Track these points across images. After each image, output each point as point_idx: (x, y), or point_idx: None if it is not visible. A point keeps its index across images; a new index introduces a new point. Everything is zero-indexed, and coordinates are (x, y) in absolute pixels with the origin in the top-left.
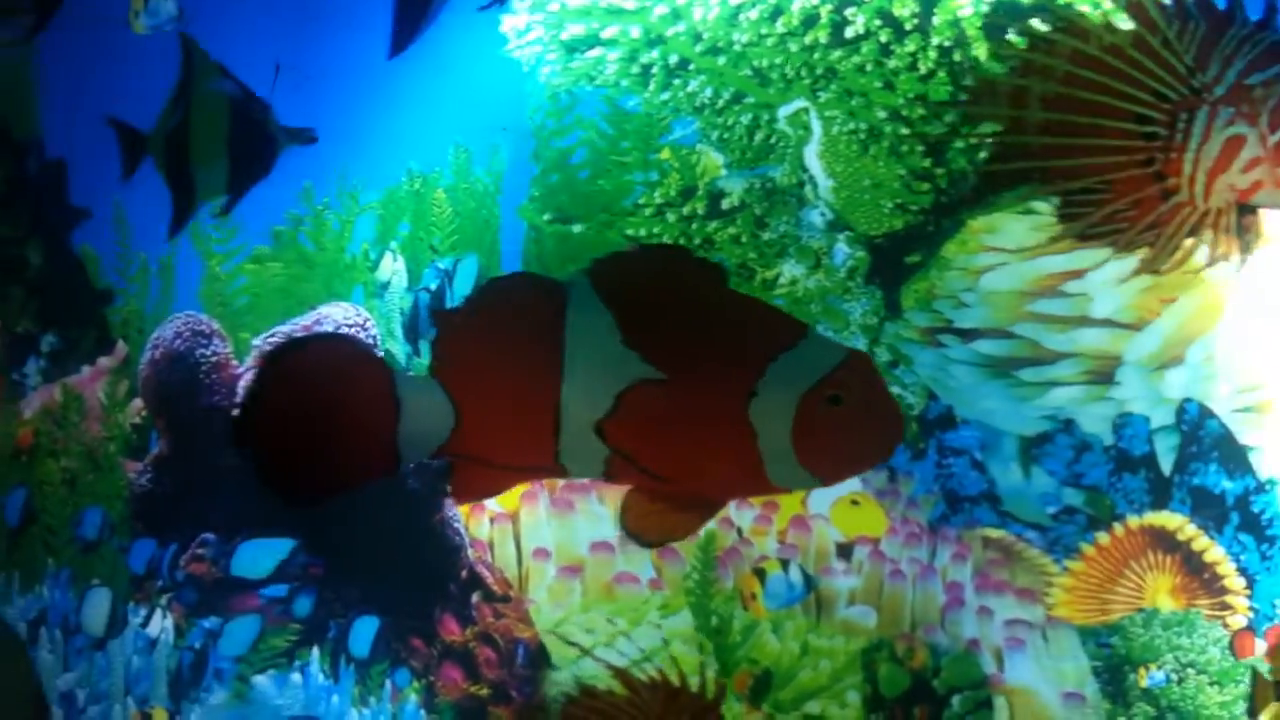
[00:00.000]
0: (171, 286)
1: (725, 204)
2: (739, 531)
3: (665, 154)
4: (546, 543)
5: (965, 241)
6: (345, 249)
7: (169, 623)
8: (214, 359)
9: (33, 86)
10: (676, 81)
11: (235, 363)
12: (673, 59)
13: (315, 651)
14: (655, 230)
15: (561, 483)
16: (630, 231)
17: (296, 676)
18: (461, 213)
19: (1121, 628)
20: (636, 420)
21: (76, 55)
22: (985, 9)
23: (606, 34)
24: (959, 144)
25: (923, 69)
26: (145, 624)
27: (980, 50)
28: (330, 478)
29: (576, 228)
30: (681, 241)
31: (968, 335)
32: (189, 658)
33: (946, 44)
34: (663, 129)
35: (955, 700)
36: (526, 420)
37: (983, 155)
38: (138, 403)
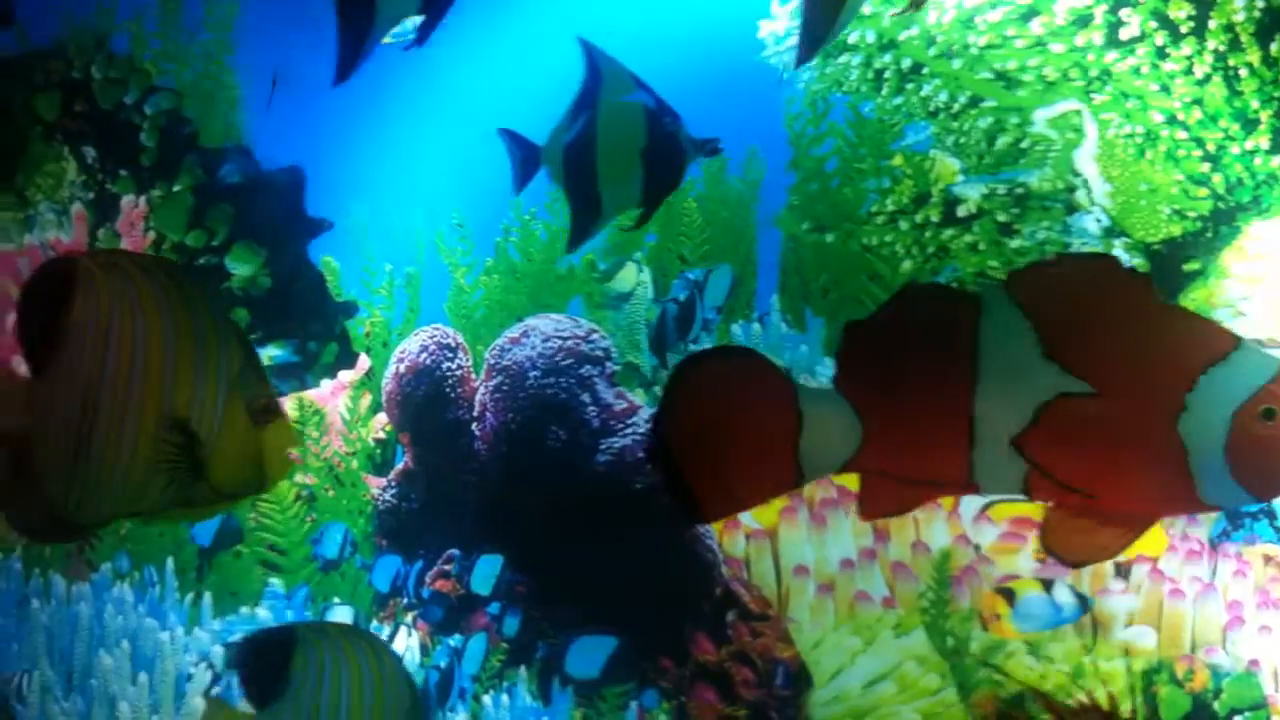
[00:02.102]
0: (418, 299)
1: (961, 211)
2: (976, 549)
3: (898, 160)
4: (806, 559)
5: (1244, 249)
6: (556, 259)
7: (414, 641)
8: (459, 372)
9: (234, 91)
10: (909, 86)
11: (474, 376)
12: (905, 63)
13: (523, 672)
14: (887, 239)
15: (820, 497)
16: (865, 240)
17: (504, 698)
18: (714, 222)
19: None
20: (1060, 434)
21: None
22: (1258, 14)
23: (851, 39)
24: (1236, 149)
25: (1199, 73)
26: (390, 643)
27: (1254, 56)
28: (732, 493)
29: (829, 237)
30: (914, 250)
31: None
32: (435, 676)
33: (1221, 48)
34: (895, 134)
35: None
36: (938, 434)
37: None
38: (381, 417)
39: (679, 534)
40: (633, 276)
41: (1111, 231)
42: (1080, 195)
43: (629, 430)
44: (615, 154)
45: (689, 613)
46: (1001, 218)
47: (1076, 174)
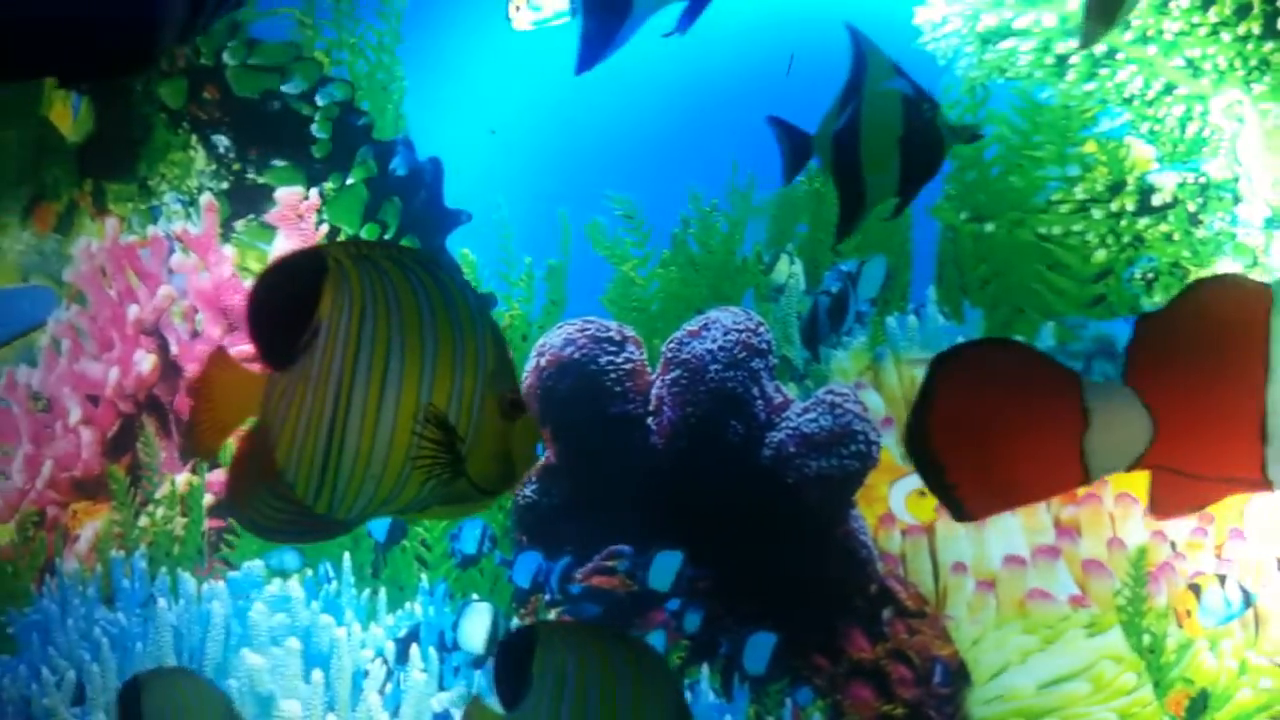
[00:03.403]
0: (561, 291)
1: (1156, 200)
2: (1172, 545)
3: (1090, 147)
4: (964, 556)
5: None
6: (735, 251)
7: None
8: (629, 366)
9: (404, 81)
10: (1103, 71)
11: (649, 370)
12: (1098, 48)
13: (705, 669)
14: (1074, 228)
15: None
16: (1043, 229)
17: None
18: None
19: None
20: None
21: (443, 53)
22: None
23: (1019, 24)
24: None
25: None
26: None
27: None
28: (1004, 491)
29: (989, 226)
30: (1109, 239)
31: None
32: None
33: None
34: (1085, 121)
35: None
36: (1230, 430)
37: None
38: None
39: (831, 530)
40: (785, 268)
41: (1274, 221)
42: (1243, 185)
43: (784, 424)
44: (876, 143)
45: (843, 609)
46: (1192, 207)
47: (1239, 164)
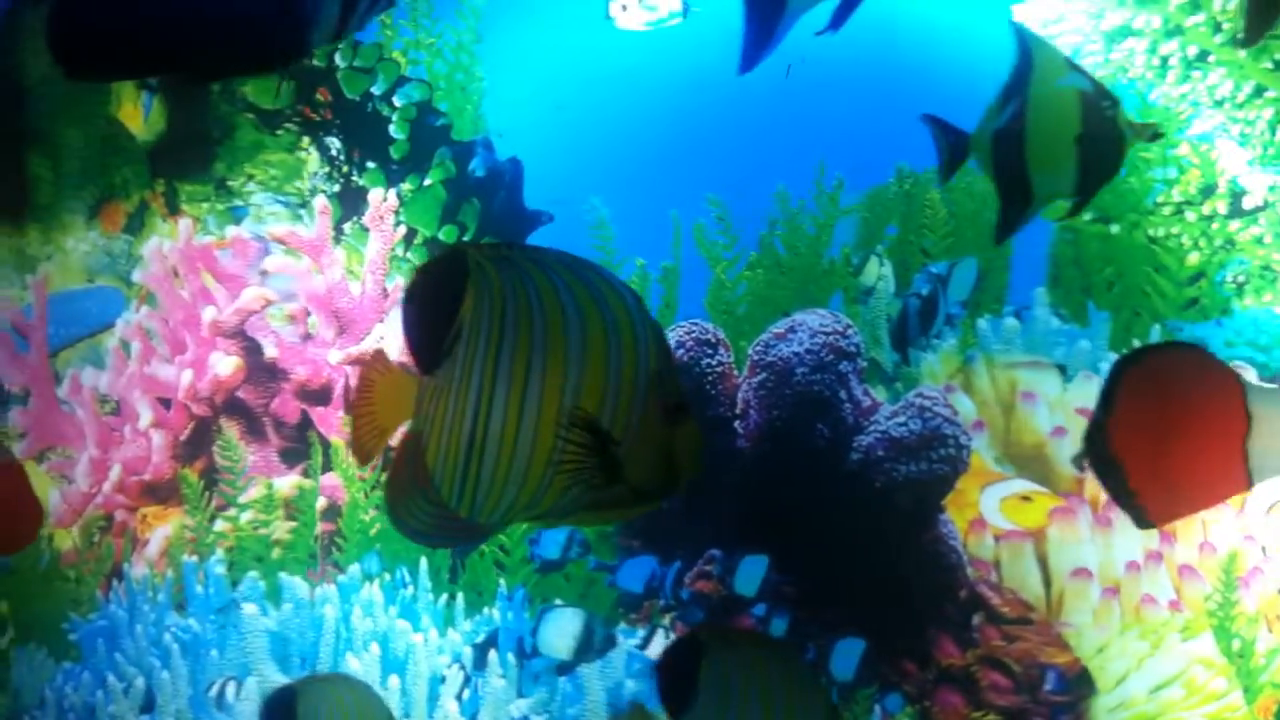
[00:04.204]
0: (674, 294)
1: (1247, 202)
2: (1263, 550)
3: (1184, 149)
4: (1089, 562)
5: None
6: (822, 254)
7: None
8: (719, 369)
9: (482, 82)
10: (1196, 74)
11: (736, 373)
12: (1191, 50)
13: None
14: (1174, 230)
15: (1104, 499)
16: (1151, 231)
17: None
18: (958, 214)
19: None
20: None
21: (521, 53)
22: None
23: (1136, 23)
24: None
25: None
26: (644, 646)
27: None
28: (1180, 497)
29: (1114, 228)
30: (1201, 242)
31: None
32: None
33: None
34: (1180, 123)
35: None
36: None
37: None
38: None
39: (920, 535)
40: (875, 270)
41: None
42: None
43: (872, 428)
44: (1047, 141)
45: (933, 615)
46: None
47: None
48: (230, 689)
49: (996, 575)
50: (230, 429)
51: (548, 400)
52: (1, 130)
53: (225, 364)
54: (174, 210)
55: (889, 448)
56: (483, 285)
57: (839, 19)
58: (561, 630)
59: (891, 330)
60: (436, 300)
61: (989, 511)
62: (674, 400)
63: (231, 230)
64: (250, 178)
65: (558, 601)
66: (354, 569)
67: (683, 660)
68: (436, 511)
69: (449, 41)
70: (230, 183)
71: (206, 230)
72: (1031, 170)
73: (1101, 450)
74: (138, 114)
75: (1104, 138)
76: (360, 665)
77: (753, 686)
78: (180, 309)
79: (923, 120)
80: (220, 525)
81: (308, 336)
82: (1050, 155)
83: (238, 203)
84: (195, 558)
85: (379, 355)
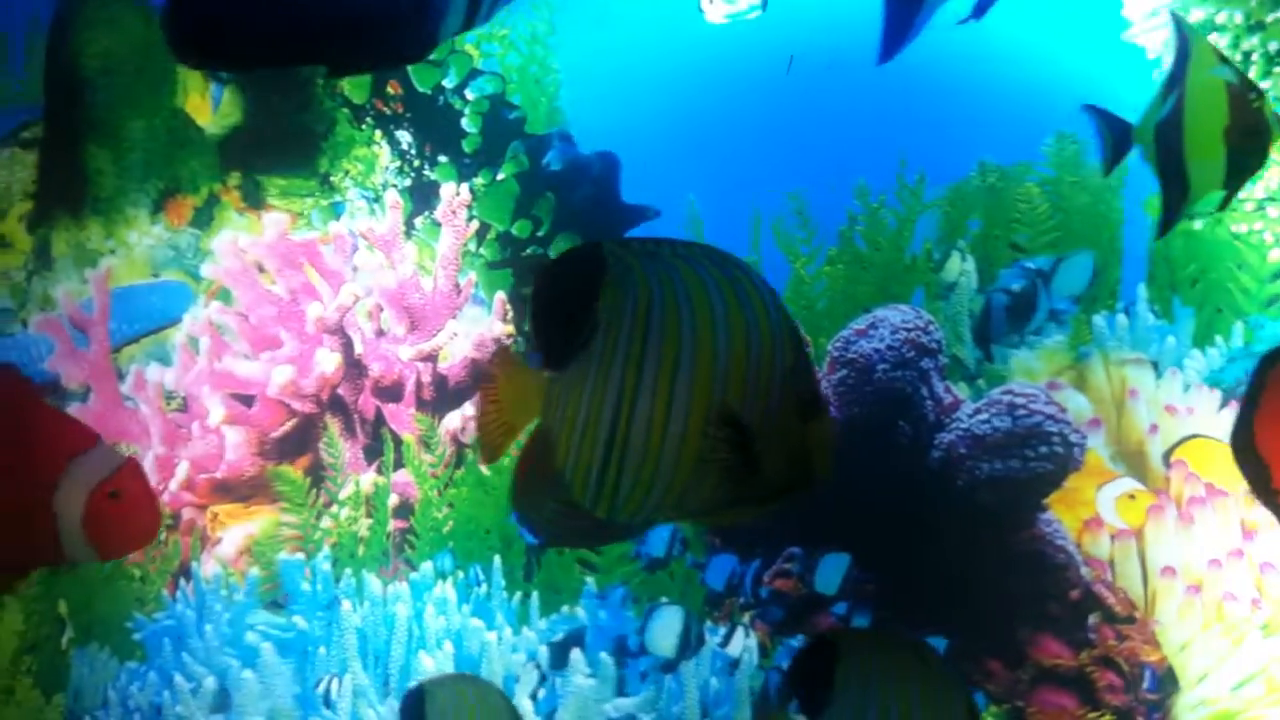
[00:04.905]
0: None
1: None
2: None
3: None
4: (1174, 560)
5: None
6: (904, 249)
7: (752, 642)
8: None
9: (558, 74)
10: (1278, 69)
11: (815, 369)
12: (1272, 46)
13: None
14: (1256, 226)
15: (1188, 495)
16: (1233, 227)
17: None
18: (1068, 208)
19: None
20: None
21: (598, 46)
22: None
23: (1219, 19)
24: None
25: None
26: (725, 644)
27: None
28: None
29: (1198, 224)
30: None
31: None
32: (775, 678)
33: None
34: None
35: None
36: None
37: None
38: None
39: (1012, 533)
40: (957, 266)
41: None
42: None
43: (954, 425)
44: (1201, 133)
45: (1030, 614)
46: None
47: None
48: (334, 686)
49: (1111, 574)
50: (334, 426)
51: (698, 396)
52: (60, 123)
53: (329, 360)
54: (257, 204)
55: (971, 445)
56: (625, 281)
57: (982, 8)
58: (667, 628)
59: (974, 326)
60: (569, 296)
61: (1105, 510)
62: (808, 396)
63: (332, 225)
64: (346, 173)
65: (663, 599)
66: (426, 567)
67: (818, 662)
68: (565, 511)
69: (523, 34)
70: (332, 178)
71: (310, 225)
72: (1189, 161)
73: (1244, 447)
74: (205, 105)
75: (1251, 130)
76: (433, 664)
77: (892, 686)
78: (269, 304)
79: (1085, 110)
80: (325, 523)
81: (380, 333)
82: (1204, 146)
83: (337, 198)
84: (301, 555)
85: (504, 352)
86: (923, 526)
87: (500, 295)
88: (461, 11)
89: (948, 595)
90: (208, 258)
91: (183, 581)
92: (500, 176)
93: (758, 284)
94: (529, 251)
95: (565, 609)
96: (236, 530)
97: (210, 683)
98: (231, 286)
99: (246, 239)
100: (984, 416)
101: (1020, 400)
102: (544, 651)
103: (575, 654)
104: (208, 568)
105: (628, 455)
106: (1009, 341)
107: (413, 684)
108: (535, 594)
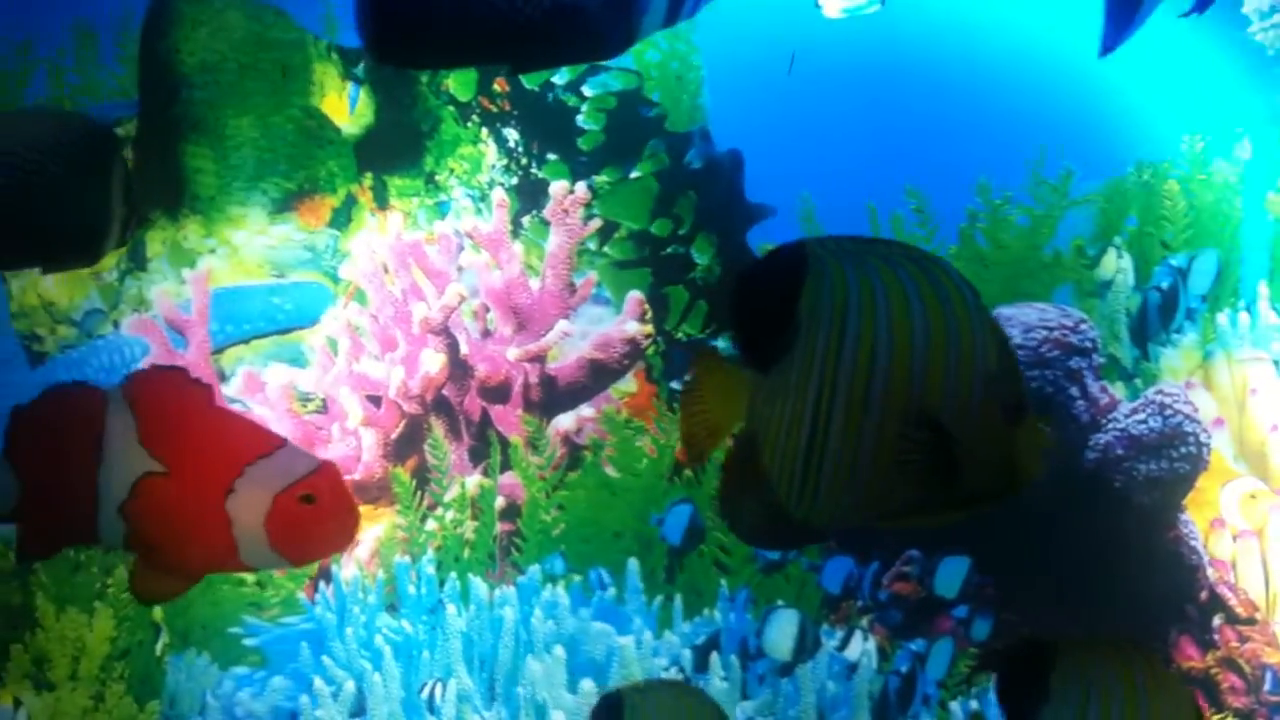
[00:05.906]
0: None
1: None
2: None
3: None
4: None
5: None
6: (1041, 246)
7: (870, 645)
8: None
9: (696, 73)
10: None
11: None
12: None
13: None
14: None
15: None
16: None
17: (973, 704)
18: (1197, 205)
19: None
20: None
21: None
22: None
23: None
24: None
25: None
26: (843, 647)
27: None
28: None
29: None
30: None
31: None
32: (895, 682)
33: None
34: None
35: None
36: None
37: None
38: None
39: (1158, 535)
40: (1113, 263)
41: None
42: None
43: (1110, 425)
44: None
45: (1171, 617)
46: None
47: None
48: (439, 691)
49: (1233, 575)
50: (438, 428)
51: (893, 398)
52: (155, 120)
53: (434, 361)
54: (383, 205)
55: (1129, 446)
56: (824, 280)
57: (1204, 3)
58: (784, 631)
59: (1132, 325)
60: (772, 296)
61: (1229, 510)
62: (1013, 400)
63: (437, 225)
64: (451, 171)
65: (779, 602)
66: (534, 570)
67: (1033, 666)
68: (771, 514)
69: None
70: (438, 177)
71: (416, 225)
72: None
73: None
74: (344, 105)
75: None
76: (541, 668)
77: (1115, 694)
78: (390, 305)
79: None
80: (430, 525)
81: (486, 333)
82: None
83: (443, 197)
84: (407, 558)
85: (710, 352)
86: (1056, 527)
87: (636, 295)
88: (662, 9)
89: (1082, 597)
90: (346, 258)
91: (323, 584)
92: (635, 174)
93: (960, 285)
94: (668, 251)
95: (706, 612)
96: (371, 532)
97: (350, 686)
98: (365, 287)
99: (377, 239)
100: (1140, 417)
101: (1168, 400)
102: (687, 655)
103: (714, 657)
104: (347, 570)
105: (825, 457)
106: (1160, 340)
107: (609, 690)
108: (679, 597)
